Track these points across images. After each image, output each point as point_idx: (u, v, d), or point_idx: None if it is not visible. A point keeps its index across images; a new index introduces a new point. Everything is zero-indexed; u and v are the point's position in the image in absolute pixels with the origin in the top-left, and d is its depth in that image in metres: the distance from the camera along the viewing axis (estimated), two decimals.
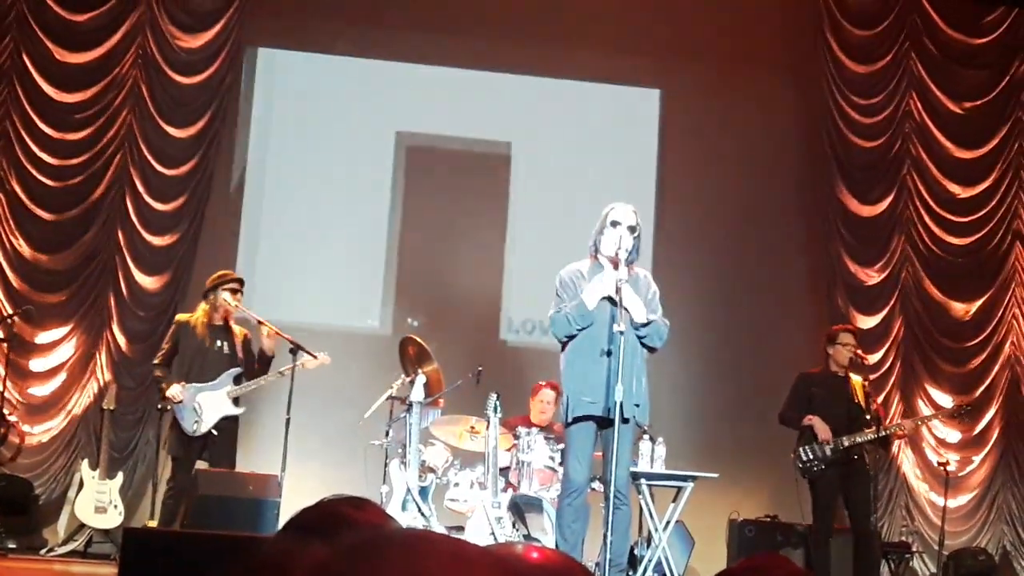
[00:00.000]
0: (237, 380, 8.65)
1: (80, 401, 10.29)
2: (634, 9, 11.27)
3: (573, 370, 6.41)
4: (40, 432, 10.18)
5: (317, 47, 11.09)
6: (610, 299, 6.30)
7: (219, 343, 8.71)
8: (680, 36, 11.39)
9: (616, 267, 6.34)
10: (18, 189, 10.37)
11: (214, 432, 8.50)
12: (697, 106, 11.50)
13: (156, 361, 8.84)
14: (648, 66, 11.45)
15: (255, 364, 8.79)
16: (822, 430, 8.47)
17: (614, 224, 6.45)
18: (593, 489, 7.23)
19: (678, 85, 11.51)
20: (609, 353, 6.22)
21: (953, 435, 11.12)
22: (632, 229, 6.46)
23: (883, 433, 8.50)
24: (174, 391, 8.49)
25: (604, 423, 6.31)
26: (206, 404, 8.49)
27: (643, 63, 11.42)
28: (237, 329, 8.84)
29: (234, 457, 8.75)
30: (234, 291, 8.73)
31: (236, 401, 8.65)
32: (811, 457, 8.48)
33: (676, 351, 10.96)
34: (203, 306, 8.78)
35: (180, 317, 8.93)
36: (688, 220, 11.40)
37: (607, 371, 6.22)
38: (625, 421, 6.14)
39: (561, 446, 8.00)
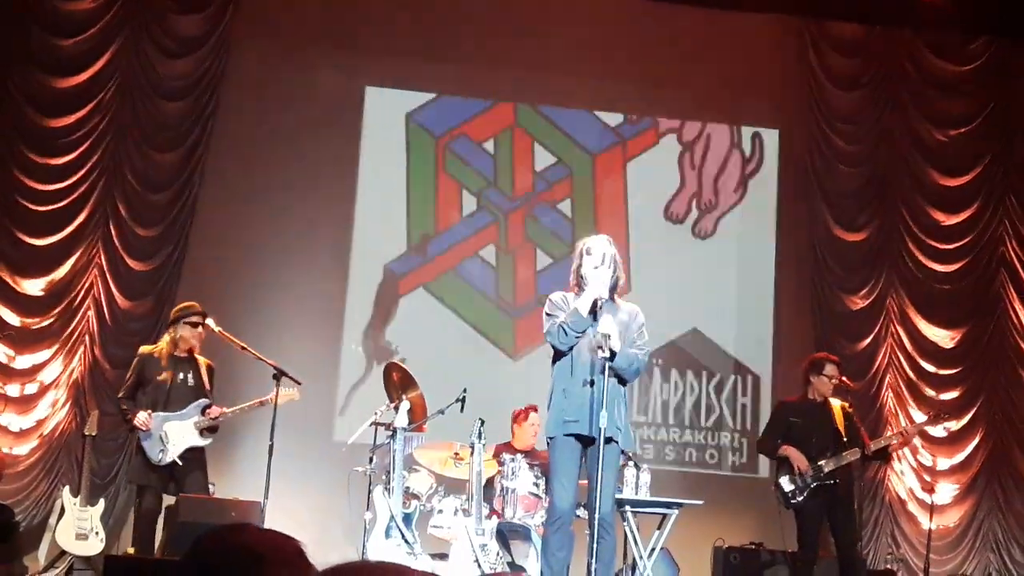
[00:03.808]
0: (205, 411, 8.59)
1: (62, 427, 10.23)
2: (616, 38, 11.27)
3: (558, 391, 6.47)
4: (21, 457, 10.12)
5: (302, 72, 11.08)
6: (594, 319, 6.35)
7: (182, 375, 8.64)
8: (664, 65, 11.40)
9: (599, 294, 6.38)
10: (0, 213, 10.33)
11: (179, 462, 8.43)
12: (685, 137, 11.49)
13: (120, 394, 8.76)
14: (635, 94, 11.45)
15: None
16: (798, 460, 8.44)
17: (589, 253, 6.56)
18: (578, 516, 7.19)
19: (663, 113, 11.51)
20: (592, 383, 6.27)
21: (940, 462, 11.10)
22: (606, 256, 6.55)
23: (867, 452, 8.48)
24: (141, 418, 8.40)
25: (587, 442, 6.34)
26: (172, 434, 8.43)
27: (630, 91, 11.42)
28: (201, 360, 8.77)
29: (206, 486, 8.66)
30: (194, 324, 8.66)
31: (203, 432, 8.58)
32: (792, 487, 8.45)
33: (661, 377, 10.97)
34: (166, 338, 8.72)
35: (144, 349, 8.81)
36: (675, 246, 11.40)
37: (590, 399, 6.26)
38: (607, 441, 6.16)
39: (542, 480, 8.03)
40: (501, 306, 9.57)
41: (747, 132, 11.40)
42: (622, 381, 6.50)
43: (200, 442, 8.55)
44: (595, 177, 9.68)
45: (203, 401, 8.60)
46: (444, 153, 9.61)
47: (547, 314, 6.62)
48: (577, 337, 6.42)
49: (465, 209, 9.53)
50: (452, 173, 9.61)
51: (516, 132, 9.41)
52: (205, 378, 8.71)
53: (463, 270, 9.55)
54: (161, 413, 8.45)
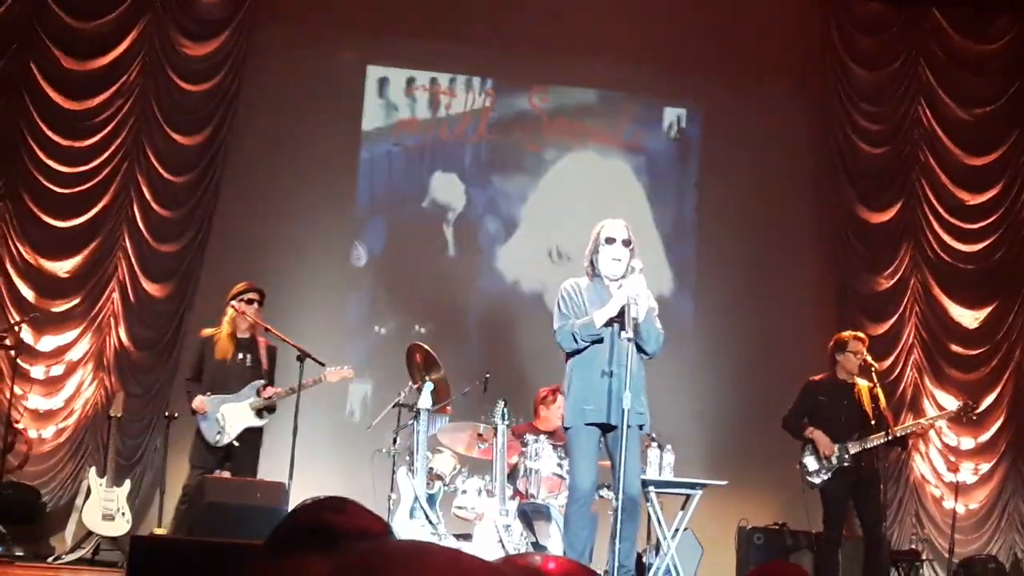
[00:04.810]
0: (260, 392, 8.69)
1: (87, 408, 10.28)
2: (644, 24, 11.23)
3: (577, 380, 6.40)
4: (47, 439, 10.18)
5: (324, 54, 11.09)
6: (613, 318, 6.28)
7: (241, 356, 8.79)
8: (690, 49, 11.36)
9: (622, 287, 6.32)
10: (25, 196, 10.37)
11: (235, 443, 8.58)
12: (708, 118, 11.48)
13: (188, 377, 9.03)
14: (652, 76, 11.42)
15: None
16: (824, 446, 8.42)
17: (609, 241, 6.44)
18: (601, 496, 7.20)
19: (685, 97, 11.48)
20: (611, 374, 6.21)
21: (964, 443, 11.08)
22: (627, 243, 6.45)
23: (891, 437, 8.42)
24: (198, 402, 8.61)
25: (606, 428, 6.31)
26: (229, 415, 8.60)
27: (647, 73, 11.39)
28: (262, 341, 8.91)
29: (256, 467, 8.81)
30: (250, 302, 8.81)
31: (260, 413, 8.69)
32: (816, 467, 8.44)
33: (686, 358, 10.96)
34: (226, 319, 8.85)
35: (205, 331, 9.03)
36: (699, 230, 11.38)
37: (608, 389, 6.21)
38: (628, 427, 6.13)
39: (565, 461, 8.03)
40: None
41: (770, 112, 11.36)
42: (644, 352, 6.43)
43: (257, 422, 8.72)
44: None
45: (259, 382, 8.72)
46: None
47: (559, 309, 6.53)
48: (586, 344, 6.35)
49: None
50: None
51: None
52: (264, 359, 8.82)
53: None
54: (218, 396, 8.59)
